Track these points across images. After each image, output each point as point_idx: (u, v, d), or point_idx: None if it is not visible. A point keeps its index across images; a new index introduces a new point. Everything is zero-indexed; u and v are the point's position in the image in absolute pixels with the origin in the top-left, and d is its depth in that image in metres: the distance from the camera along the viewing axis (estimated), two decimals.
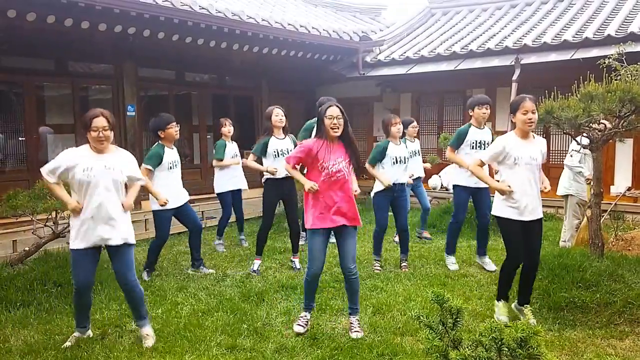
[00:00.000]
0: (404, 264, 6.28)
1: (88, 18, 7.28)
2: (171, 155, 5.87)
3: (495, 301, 4.66)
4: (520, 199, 4.30)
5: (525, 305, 4.43)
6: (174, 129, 5.85)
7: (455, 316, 2.55)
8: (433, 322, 2.58)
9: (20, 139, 8.50)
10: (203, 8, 8.36)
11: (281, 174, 5.87)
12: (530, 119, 4.26)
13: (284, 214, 6.44)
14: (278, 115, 6.02)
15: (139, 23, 7.78)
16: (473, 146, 5.93)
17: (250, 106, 11.56)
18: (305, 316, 4.43)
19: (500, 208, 4.44)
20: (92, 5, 7.04)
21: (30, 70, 8.17)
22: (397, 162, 6.03)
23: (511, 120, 4.48)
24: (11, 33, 7.20)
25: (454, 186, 6.18)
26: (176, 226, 8.32)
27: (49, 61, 8.44)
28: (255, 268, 6.11)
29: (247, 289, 5.47)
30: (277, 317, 4.67)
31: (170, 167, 5.82)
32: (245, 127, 11.25)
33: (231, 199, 7.41)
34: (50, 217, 5.59)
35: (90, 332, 4.27)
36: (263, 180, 6.15)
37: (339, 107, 4.17)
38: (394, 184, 6.00)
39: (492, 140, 5.56)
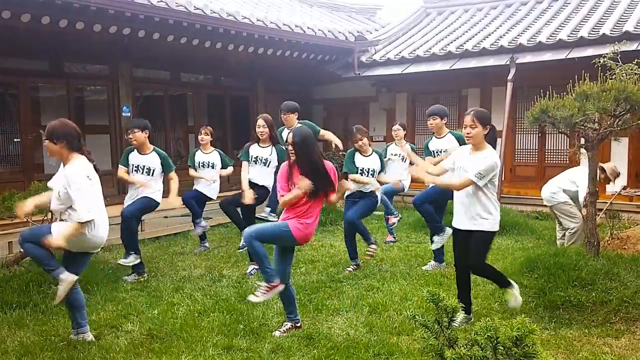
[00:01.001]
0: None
1: (83, 19, 7.26)
2: (133, 159, 5.98)
3: None
4: (455, 207, 4.45)
5: (465, 315, 4.37)
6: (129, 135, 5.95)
7: (451, 315, 2.56)
8: (429, 321, 2.59)
9: (15, 140, 8.47)
10: (198, 8, 8.35)
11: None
12: (467, 133, 4.33)
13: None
14: (259, 127, 5.95)
15: (134, 24, 7.77)
16: (433, 155, 6.21)
17: (246, 106, 11.55)
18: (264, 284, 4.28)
19: None
20: (87, 6, 7.02)
21: (25, 71, 8.15)
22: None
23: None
24: (6, 34, 7.18)
25: None
26: (172, 227, 8.31)
27: (44, 62, 8.42)
28: (248, 270, 6.12)
29: (244, 289, 5.46)
30: (274, 317, 4.67)
31: (129, 172, 5.95)
32: (241, 127, 11.24)
33: (198, 198, 7.23)
34: (45, 218, 5.57)
35: (85, 337, 4.22)
36: None
37: (293, 133, 4.22)
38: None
39: (453, 148, 5.81)
